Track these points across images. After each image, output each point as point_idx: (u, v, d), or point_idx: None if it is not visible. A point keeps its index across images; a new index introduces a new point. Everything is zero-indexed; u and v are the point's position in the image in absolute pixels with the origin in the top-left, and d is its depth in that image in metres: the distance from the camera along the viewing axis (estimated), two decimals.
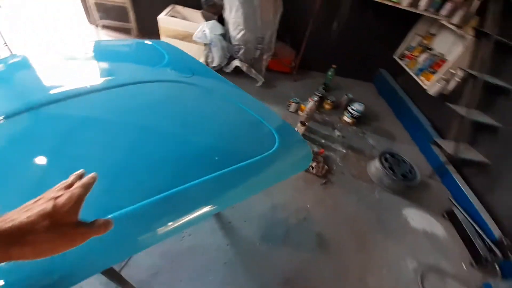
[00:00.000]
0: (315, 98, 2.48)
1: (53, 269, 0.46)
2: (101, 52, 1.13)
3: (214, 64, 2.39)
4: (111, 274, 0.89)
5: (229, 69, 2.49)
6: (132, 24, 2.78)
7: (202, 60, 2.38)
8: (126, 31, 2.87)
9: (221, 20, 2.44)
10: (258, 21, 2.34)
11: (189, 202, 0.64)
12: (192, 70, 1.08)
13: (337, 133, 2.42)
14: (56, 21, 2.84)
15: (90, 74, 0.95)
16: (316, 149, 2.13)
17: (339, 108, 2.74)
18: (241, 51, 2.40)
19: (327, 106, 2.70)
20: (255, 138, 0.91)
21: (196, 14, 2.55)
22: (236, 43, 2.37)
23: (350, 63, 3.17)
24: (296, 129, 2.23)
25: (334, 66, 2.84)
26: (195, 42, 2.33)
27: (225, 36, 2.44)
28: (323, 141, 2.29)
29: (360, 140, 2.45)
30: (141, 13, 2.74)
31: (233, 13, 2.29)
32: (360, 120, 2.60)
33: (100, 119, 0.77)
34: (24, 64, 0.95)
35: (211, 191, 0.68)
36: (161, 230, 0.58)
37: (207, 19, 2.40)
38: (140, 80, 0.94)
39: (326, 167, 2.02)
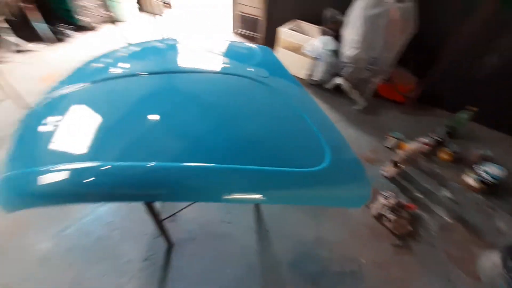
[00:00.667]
0: (429, 141, 1.97)
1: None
2: (218, 47, 1.35)
3: (316, 78, 2.35)
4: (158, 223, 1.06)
5: (329, 85, 2.38)
6: (260, 34, 3.17)
7: (305, 72, 2.40)
8: (254, 39, 3.31)
9: (338, 37, 2.37)
10: (379, 41, 2.11)
11: (230, 182, 0.68)
12: (273, 72, 1.11)
13: (446, 193, 1.81)
14: (210, 26, 3.66)
15: (202, 61, 1.16)
16: (404, 201, 1.68)
17: (463, 163, 2.04)
18: (348, 69, 2.24)
19: (443, 156, 2.07)
20: (302, 149, 0.83)
21: (317, 30, 2.60)
22: (345, 60, 2.24)
23: (499, 110, 2.30)
24: (384, 168, 1.87)
25: (473, 108, 2.14)
26: (305, 54, 2.38)
27: (336, 52, 2.35)
28: (419, 195, 1.78)
29: (481, 216, 1.71)
30: (270, 25, 3.07)
31: (352, 30, 2.18)
32: (492, 190, 1.83)
33: (195, 95, 0.94)
34: (172, 45, 1.30)
35: (248, 180, 0.68)
36: (214, 190, 0.66)
37: (324, 34, 2.39)
38: (228, 72, 1.06)
39: (409, 227, 1.55)
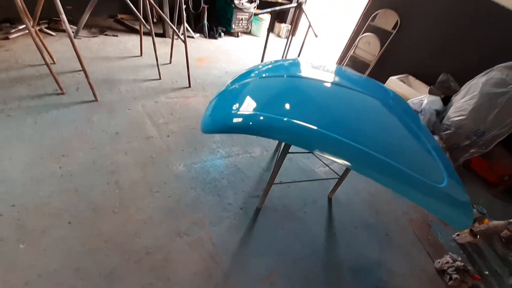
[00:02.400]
0: None
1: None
2: (344, 72, 1.65)
3: None
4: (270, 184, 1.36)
5: None
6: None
7: None
8: None
9: (445, 101, 2.42)
10: (490, 117, 2.09)
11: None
12: (404, 109, 1.33)
13: None
14: (320, 57, 4.07)
15: (332, 76, 1.47)
16: (471, 269, 1.61)
17: None
18: (448, 132, 2.25)
19: None
20: (427, 167, 1.01)
21: (424, 87, 2.70)
22: (448, 123, 2.27)
23: None
24: (461, 233, 1.81)
25: None
26: None
27: (439, 114, 2.39)
28: (486, 272, 1.68)
29: None
30: (377, 71, 3.28)
31: (464, 99, 2.22)
32: None
33: (332, 97, 1.24)
34: (298, 63, 1.64)
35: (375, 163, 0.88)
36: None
37: (431, 94, 2.48)
38: (368, 93, 1.32)
39: None
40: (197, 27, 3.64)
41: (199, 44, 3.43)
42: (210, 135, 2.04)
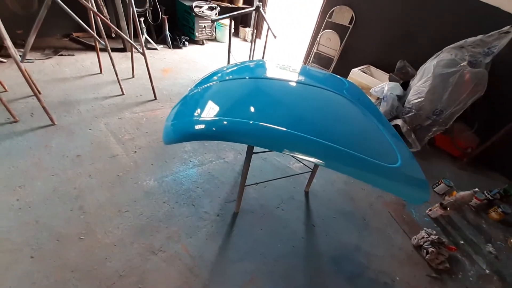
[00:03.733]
0: (480, 196, 1.99)
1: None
2: (306, 70, 1.71)
3: None
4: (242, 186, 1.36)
5: None
6: (330, 71, 3.53)
7: None
8: None
9: (404, 86, 2.58)
10: (445, 96, 2.24)
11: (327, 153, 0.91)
12: (358, 98, 1.39)
13: (489, 249, 1.77)
14: (287, 56, 4.17)
15: (293, 75, 1.51)
16: (446, 240, 1.70)
17: None
18: (410, 114, 2.39)
19: (493, 215, 2.02)
20: (381, 150, 1.05)
21: (385, 76, 2.85)
22: (409, 106, 2.40)
23: None
24: (432, 208, 1.91)
25: None
26: (370, 94, 2.62)
27: (401, 99, 2.53)
28: (461, 242, 1.78)
29: None
30: (341, 65, 3.42)
31: (420, 82, 2.36)
32: None
33: (292, 95, 1.27)
34: (261, 63, 1.68)
35: (337, 155, 0.91)
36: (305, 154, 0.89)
37: (391, 81, 2.62)
38: (324, 87, 1.37)
39: (446, 265, 1.58)
40: (160, 38, 3.60)
41: (164, 55, 3.39)
42: (180, 145, 2.01)
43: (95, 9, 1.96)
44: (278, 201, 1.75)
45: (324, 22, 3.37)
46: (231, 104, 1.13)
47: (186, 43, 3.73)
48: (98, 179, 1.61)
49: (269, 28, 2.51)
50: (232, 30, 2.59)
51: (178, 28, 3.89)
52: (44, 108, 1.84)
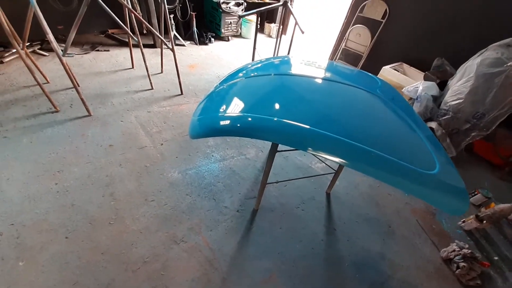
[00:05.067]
0: None
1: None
2: (333, 66, 1.64)
3: None
4: (263, 184, 1.34)
5: None
6: (358, 68, 3.37)
7: None
8: None
9: (441, 86, 2.37)
10: (488, 98, 2.03)
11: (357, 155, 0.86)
12: (392, 98, 1.30)
13: None
14: (314, 53, 4.05)
15: (320, 72, 1.46)
16: (479, 255, 1.56)
17: None
18: (446, 117, 2.20)
19: None
20: (417, 155, 0.98)
21: (419, 74, 2.65)
22: (446, 107, 2.21)
23: None
24: (466, 219, 1.76)
25: None
26: (402, 93, 2.45)
27: (436, 100, 2.34)
28: (495, 258, 1.62)
29: None
30: (371, 62, 3.24)
31: (460, 82, 2.17)
32: None
33: (319, 92, 1.23)
34: (287, 60, 1.63)
35: (366, 157, 0.86)
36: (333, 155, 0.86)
37: (426, 80, 2.43)
38: (356, 85, 1.30)
39: (478, 282, 1.45)
40: (187, 35, 3.68)
41: (190, 51, 3.46)
42: (203, 140, 2.05)
43: (130, 7, 2.05)
44: (299, 200, 1.72)
45: (355, 16, 3.21)
46: (256, 101, 1.12)
47: (212, 39, 3.77)
48: (127, 169, 1.69)
49: (296, 23, 2.44)
50: (258, 26, 2.56)
51: (205, 25, 3.95)
52: (82, 100, 1.97)
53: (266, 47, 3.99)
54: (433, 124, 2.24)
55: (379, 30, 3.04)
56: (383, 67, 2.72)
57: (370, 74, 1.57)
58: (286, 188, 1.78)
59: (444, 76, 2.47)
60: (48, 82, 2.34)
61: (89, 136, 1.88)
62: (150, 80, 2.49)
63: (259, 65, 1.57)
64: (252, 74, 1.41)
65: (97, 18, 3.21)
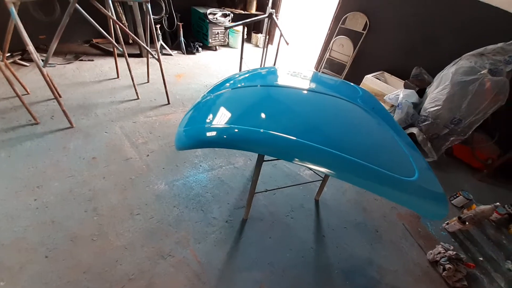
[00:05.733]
0: (501, 210, 1.89)
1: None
2: (317, 77, 1.69)
3: None
4: (252, 194, 1.34)
5: None
6: (342, 77, 3.48)
7: None
8: None
9: (420, 93, 2.49)
10: (464, 104, 2.15)
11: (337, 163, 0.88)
12: (373, 107, 1.35)
13: (509, 266, 1.66)
14: (298, 62, 4.15)
15: (305, 83, 1.49)
16: (464, 257, 1.61)
17: None
18: (426, 122, 2.30)
19: None
20: (397, 162, 1.01)
21: (399, 82, 2.78)
22: (425, 114, 2.32)
23: None
24: (449, 221, 1.82)
25: None
26: (384, 101, 2.55)
27: (416, 106, 2.45)
28: (480, 258, 1.68)
29: None
30: (354, 71, 3.37)
31: (437, 90, 2.28)
32: None
33: (304, 103, 1.25)
34: (273, 71, 1.67)
35: (350, 166, 0.88)
36: (314, 164, 0.87)
37: (406, 88, 2.54)
38: (338, 96, 1.34)
39: (464, 283, 1.49)
40: (174, 44, 3.69)
41: (177, 61, 3.46)
42: (191, 150, 2.02)
43: (115, 17, 2.03)
44: (288, 209, 1.72)
45: (337, 28, 3.34)
46: (243, 112, 1.12)
47: (200, 49, 3.80)
48: (111, 182, 1.64)
49: (281, 35, 2.51)
50: (245, 36, 2.61)
51: (192, 35, 3.97)
52: (64, 111, 1.91)
53: (253, 57, 4.05)
54: (414, 130, 2.33)
55: (360, 41, 3.18)
56: (366, 76, 2.83)
57: (352, 84, 1.62)
58: (275, 197, 1.78)
59: (423, 84, 2.60)
60: (28, 93, 2.26)
61: (71, 148, 1.82)
62: (136, 90, 2.46)
63: (246, 75, 1.59)
64: (239, 85, 1.42)
65: (81, 27, 3.15)
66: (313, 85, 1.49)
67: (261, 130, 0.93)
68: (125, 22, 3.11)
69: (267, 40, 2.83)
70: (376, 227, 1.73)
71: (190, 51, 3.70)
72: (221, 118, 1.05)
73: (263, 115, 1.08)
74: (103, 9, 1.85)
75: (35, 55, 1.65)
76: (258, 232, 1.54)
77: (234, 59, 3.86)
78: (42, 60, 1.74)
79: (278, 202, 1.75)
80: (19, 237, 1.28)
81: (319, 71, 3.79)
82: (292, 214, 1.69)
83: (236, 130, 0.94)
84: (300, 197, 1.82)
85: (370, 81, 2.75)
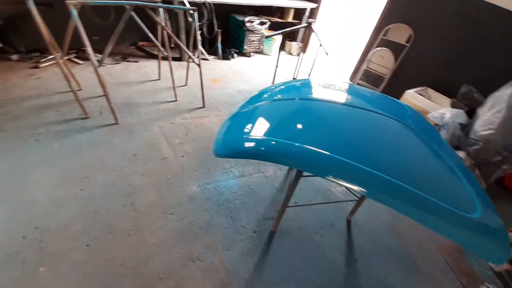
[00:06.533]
0: None
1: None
2: (359, 92, 1.61)
3: None
4: (284, 207, 1.31)
5: None
6: (379, 90, 3.32)
7: None
8: None
9: (470, 114, 2.28)
10: None
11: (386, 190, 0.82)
12: (426, 129, 1.25)
13: None
14: (332, 73, 4.06)
15: (348, 98, 1.43)
16: None
17: None
18: (475, 147, 2.09)
19: None
20: (456, 195, 0.91)
21: (444, 100, 2.57)
22: (475, 137, 2.11)
23: None
24: None
25: None
26: (427, 119, 2.37)
27: (464, 128, 2.24)
28: None
29: None
30: (393, 84, 3.19)
31: (491, 112, 2.06)
32: None
33: (348, 122, 1.19)
34: (312, 83, 1.62)
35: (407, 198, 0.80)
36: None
37: (454, 107, 2.34)
38: (385, 114, 1.26)
39: None
40: (211, 50, 3.80)
41: (213, 66, 3.56)
42: None
43: (164, 24, 2.14)
44: (317, 226, 1.65)
45: (378, 39, 3.20)
46: (279, 125, 1.10)
47: (235, 55, 3.87)
48: (149, 179, 1.71)
49: (321, 45, 2.46)
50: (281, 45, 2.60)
51: (229, 41, 4.07)
52: (111, 108, 2.04)
53: (286, 65, 4.03)
54: (461, 154, 2.13)
55: (402, 54, 3.01)
56: (406, 91, 2.66)
57: (397, 100, 1.53)
58: (305, 211, 1.73)
59: (472, 103, 2.37)
60: (81, 89, 2.46)
61: (115, 144, 1.93)
62: (175, 92, 2.56)
63: (282, 87, 1.57)
64: (276, 97, 1.40)
65: (130, 31, 3.39)
66: (355, 100, 1.42)
67: (297, 144, 0.89)
68: (170, 27, 3.28)
69: (302, 48, 2.79)
70: (412, 256, 1.59)
71: (225, 56, 3.79)
72: (259, 129, 1.04)
73: (300, 129, 1.05)
74: (156, 16, 1.96)
75: (92, 56, 1.79)
76: (286, 247, 1.49)
77: (267, 66, 3.87)
78: (97, 61, 1.88)
79: (308, 218, 1.69)
80: (64, 224, 1.38)
81: (355, 82, 3.65)
82: (321, 232, 1.62)
83: (273, 143, 0.92)
84: (330, 215, 1.74)
85: (412, 96, 2.58)
